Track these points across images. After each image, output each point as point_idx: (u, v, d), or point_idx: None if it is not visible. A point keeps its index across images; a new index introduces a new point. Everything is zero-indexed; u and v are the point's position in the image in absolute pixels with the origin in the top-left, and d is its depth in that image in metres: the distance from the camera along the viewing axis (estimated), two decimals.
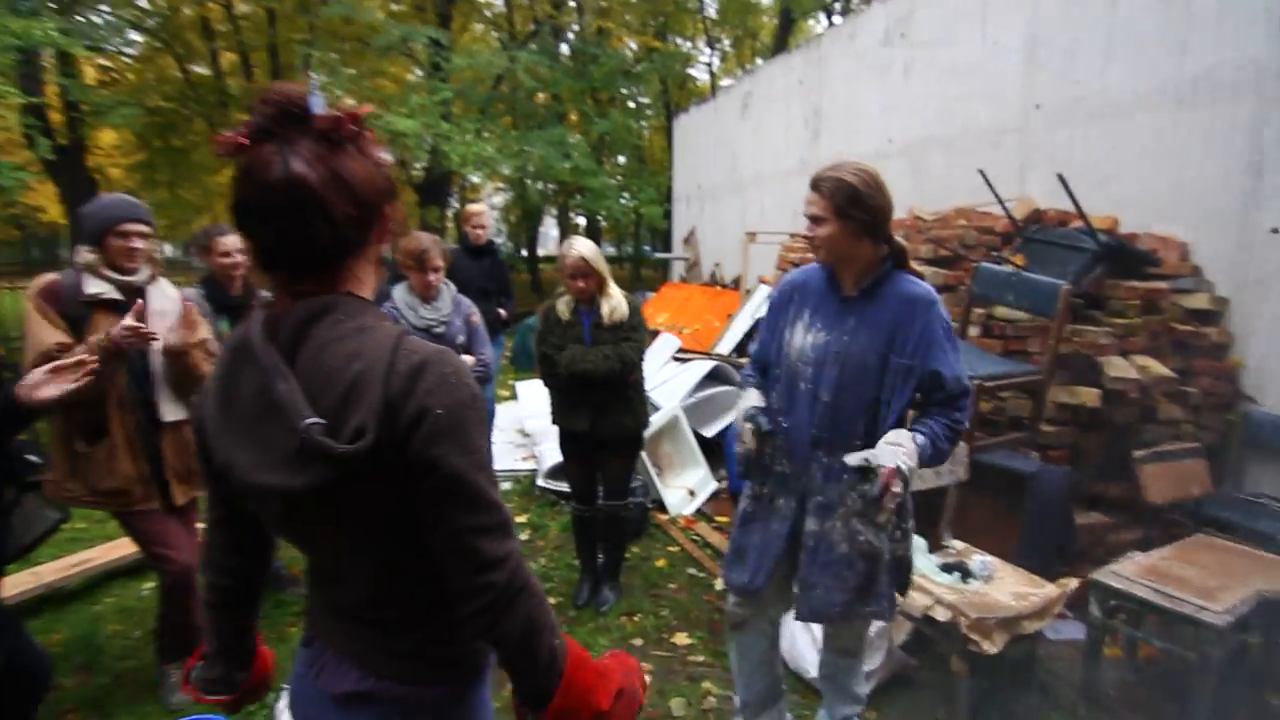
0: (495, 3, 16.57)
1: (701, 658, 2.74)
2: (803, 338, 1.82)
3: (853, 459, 1.70)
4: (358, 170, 0.84)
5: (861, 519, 1.76)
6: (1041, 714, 2.40)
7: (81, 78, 8.85)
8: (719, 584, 3.23)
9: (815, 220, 1.72)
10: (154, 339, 2.15)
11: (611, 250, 21.23)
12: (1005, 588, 2.28)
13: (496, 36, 16.13)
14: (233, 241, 2.79)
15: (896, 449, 1.63)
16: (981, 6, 4.66)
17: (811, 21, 15.58)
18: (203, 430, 0.94)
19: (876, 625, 2.36)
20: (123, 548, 3.49)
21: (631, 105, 14.75)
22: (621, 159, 14.91)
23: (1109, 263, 3.31)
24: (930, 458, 1.71)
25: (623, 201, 11.73)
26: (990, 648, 2.02)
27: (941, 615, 2.14)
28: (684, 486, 4.26)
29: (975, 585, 2.29)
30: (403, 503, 0.84)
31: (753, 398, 1.91)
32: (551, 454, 4.20)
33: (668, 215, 11.41)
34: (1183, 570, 2.32)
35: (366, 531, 0.88)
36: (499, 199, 20.12)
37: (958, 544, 2.59)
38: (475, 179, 12.83)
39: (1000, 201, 3.78)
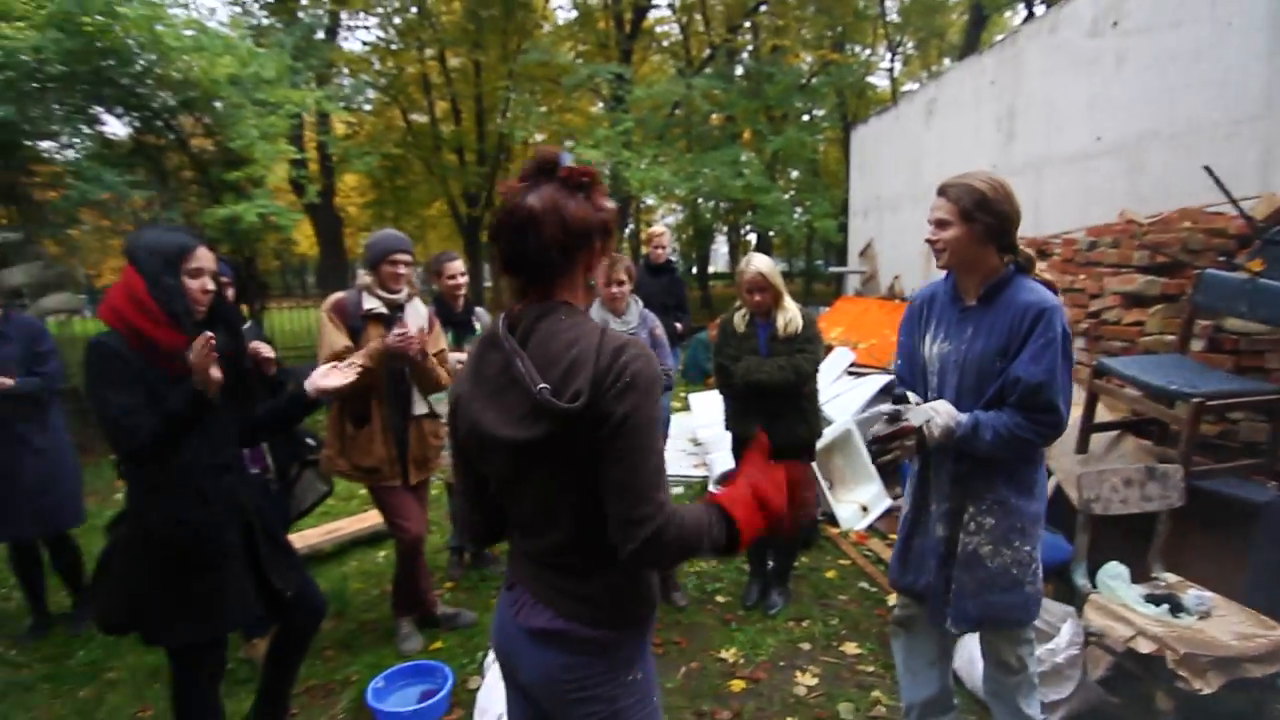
0: (673, 32, 17.30)
1: (871, 668, 2.73)
2: (930, 348, 1.88)
3: (885, 408, 1.81)
4: (576, 210, 1.12)
5: (993, 530, 1.77)
6: None
7: (332, 132, 10.66)
8: (892, 599, 3.17)
9: (940, 224, 1.76)
10: (413, 346, 2.63)
11: (783, 265, 21.02)
12: (1226, 626, 2.03)
13: (673, 64, 16.80)
14: (458, 267, 3.30)
15: (931, 412, 1.72)
16: None
17: (1008, 14, 14.44)
18: (457, 404, 1.24)
19: (1066, 654, 2.23)
20: (363, 521, 4.19)
21: (806, 119, 14.62)
22: (795, 173, 14.80)
23: None
24: (974, 441, 1.71)
25: (796, 216, 11.67)
26: (1203, 688, 1.83)
27: (1145, 647, 1.96)
28: (856, 501, 4.20)
29: (1188, 620, 2.07)
30: (586, 458, 1.08)
31: (907, 397, 1.94)
32: (722, 461, 4.36)
33: (842, 229, 11.15)
34: None
35: (570, 477, 1.12)
36: (672, 219, 20.81)
37: (1169, 576, 2.35)
38: (651, 201, 13.46)
39: (1233, 200, 3.33)
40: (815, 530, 3.88)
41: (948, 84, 7.54)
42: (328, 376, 2.03)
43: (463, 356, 3.24)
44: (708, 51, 15.15)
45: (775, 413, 2.95)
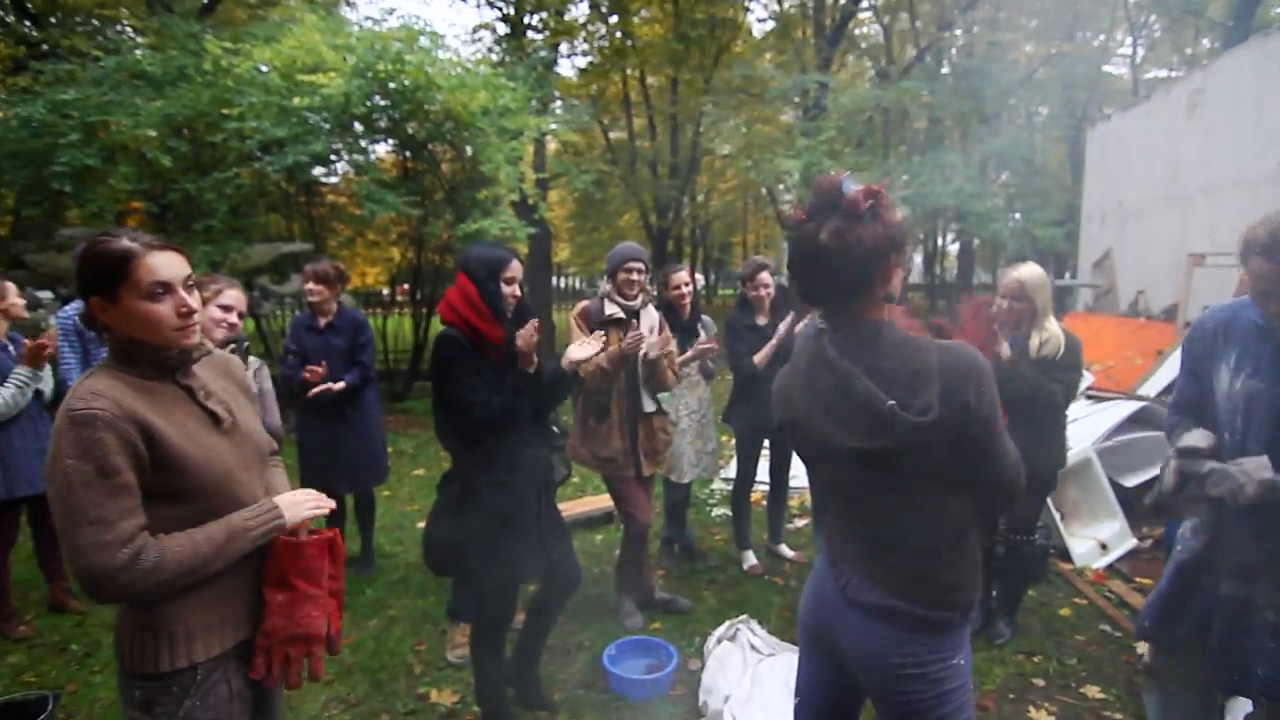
0: (873, 34, 16.71)
1: (1119, 716, 2.51)
2: (1228, 384, 1.66)
3: (1189, 451, 1.66)
4: (864, 236, 1.18)
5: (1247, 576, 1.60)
6: None
7: (547, 152, 11.73)
8: (1142, 648, 2.88)
9: None
10: (640, 346, 2.91)
11: (986, 278, 19.34)
12: None
13: (871, 68, 16.23)
14: (683, 277, 3.57)
15: (1240, 478, 1.55)
16: None
17: None
18: (794, 414, 1.36)
19: None
20: (579, 506, 4.60)
21: (1026, 118, 13.39)
22: (1004, 175, 13.60)
23: None
24: None
25: (1011, 222, 10.76)
26: None
27: None
28: (1094, 537, 3.83)
29: None
30: (949, 457, 1.19)
31: (1194, 438, 1.72)
32: None
33: (1068, 236, 10.08)
34: None
35: (909, 481, 1.23)
36: None
37: None
38: None
39: None
40: (1045, 563, 3.61)
41: (1219, 72, 6.55)
42: (580, 349, 2.37)
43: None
44: (913, 52, 14.45)
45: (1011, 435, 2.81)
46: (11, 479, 3.03)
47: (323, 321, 3.57)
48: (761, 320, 3.61)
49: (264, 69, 6.08)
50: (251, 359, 2.70)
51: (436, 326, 8.28)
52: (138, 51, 6.93)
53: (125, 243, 1.22)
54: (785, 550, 3.92)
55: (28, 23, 9.25)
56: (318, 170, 7.05)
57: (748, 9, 15.06)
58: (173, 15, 7.80)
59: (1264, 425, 1.60)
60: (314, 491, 1.40)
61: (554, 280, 19.10)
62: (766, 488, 3.96)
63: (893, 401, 1.16)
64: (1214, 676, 1.72)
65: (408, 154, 6.90)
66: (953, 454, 1.20)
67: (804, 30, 14.97)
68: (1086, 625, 3.17)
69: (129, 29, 9.14)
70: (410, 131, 6.49)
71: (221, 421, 1.32)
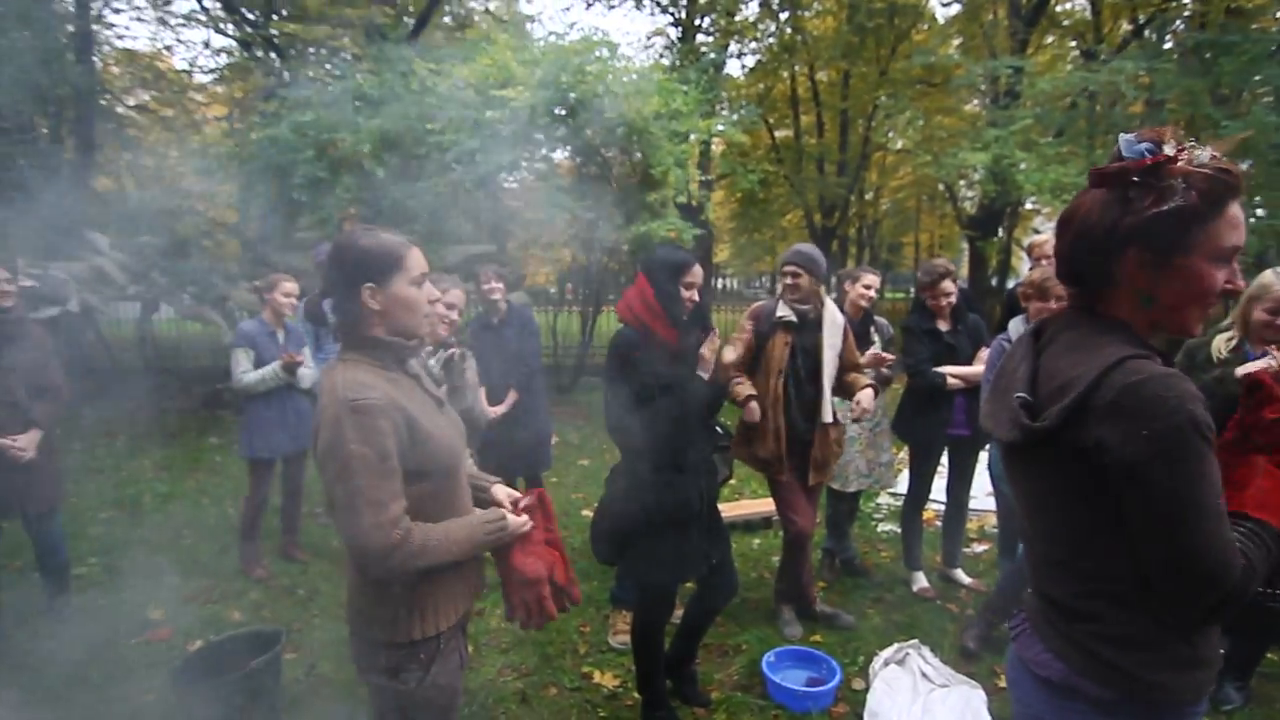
0: (1078, 10, 14.92)
1: None
2: None
3: None
4: (1100, 212, 1.00)
5: None
6: None
7: (712, 153, 11.79)
8: None
9: None
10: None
11: None
12: None
13: (1075, 48, 14.52)
14: (870, 280, 3.45)
15: None
16: None
17: None
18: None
19: None
20: (736, 509, 4.57)
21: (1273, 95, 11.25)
22: (1245, 165, 11.51)
23: None
24: None
25: (1253, 217, 9.12)
26: None
27: None
28: None
29: None
30: (1073, 488, 1.00)
31: None
32: None
33: None
34: None
35: (1041, 498, 1.08)
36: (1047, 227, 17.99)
37: None
38: (1031, 204, 11.88)
39: None
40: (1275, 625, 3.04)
41: None
42: (732, 351, 2.35)
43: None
44: (1127, 27, 12.72)
45: None
46: (256, 443, 3.64)
47: (495, 319, 3.86)
48: (943, 326, 3.38)
49: (461, 85, 6.69)
50: (455, 351, 2.98)
51: (603, 324, 8.69)
52: (359, 76, 7.91)
53: (393, 236, 1.39)
54: (961, 575, 3.65)
55: (275, 56, 10.89)
56: (503, 177, 7.62)
57: None
58: (387, 41, 8.81)
59: None
60: (526, 518, 1.57)
61: (714, 282, 19.19)
62: (940, 506, 3.71)
63: (1023, 396, 1.04)
64: None
65: (581, 160, 7.26)
66: (1093, 498, 0.99)
67: (995, 11, 13.74)
68: None
69: (352, 56, 10.44)
70: (586, 138, 6.82)
71: (442, 405, 1.49)
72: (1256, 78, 10.74)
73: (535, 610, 1.56)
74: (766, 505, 4.21)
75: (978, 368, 3.25)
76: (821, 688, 2.65)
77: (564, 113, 6.54)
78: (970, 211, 14.34)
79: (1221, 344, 2.46)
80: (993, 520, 4.20)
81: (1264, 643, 2.68)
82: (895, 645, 2.82)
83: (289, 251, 7.87)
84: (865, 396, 2.90)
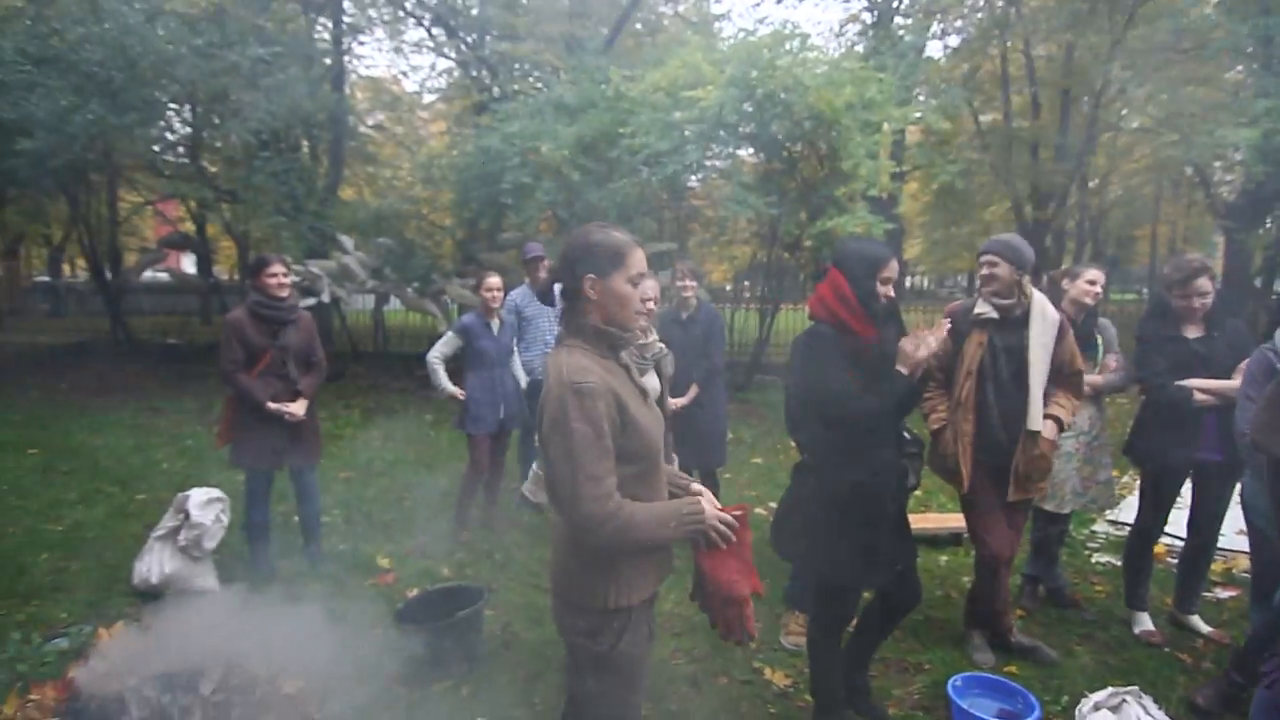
0: None
1: None
2: None
3: None
4: None
5: None
6: None
7: (904, 142, 11.08)
8: None
9: None
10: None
11: None
12: None
13: None
14: (1093, 275, 3.09)
15: None
16: None
17: None
18: None
19: None
20: (925, 521, 4.29)
21: None
22: None
23: None
24: None
25: None
26: None
27: None
28: None
29: None
30: None
31: None
32: None
33: None
34: None
35: None
36: None
37: None
38: None
39: None
40: None
41: None
42: (913, 343, 2.14)
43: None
44: None
45: None
46: (471, 419, 4.12)
47: (685, 315, 3.97)
48: (1191, 333, 2.92)
49: (652, 90, 6.94)
50: (660, 346, 3.08)
51: (781, 322, 8.58)
52: (559, 87, 8.51)
53: (622, 235, 1.52)
54: (1199, 623, 3.13)
55: (486, 73, 12.03)
56: (688, 177, 7.81)
57: None
58: (585, 52, 9.37)
59: None
60: (723, 513, 1.59)
61: (904, 280, 18.07)
62: (1174, 542, 3.20)
63: None
64: None
65: (765, 155, 7.19)
66: None
67: None
68: None
69: (554, 69, 11.25)
70: (773, 133, 6.74)
71: (648, 395, 1.59)
72: None
73: (737, 628, 1.62)
74: (956, 520, 3.91)
75: (1234, 382, 2.74)
76: None
77: (751, 109, 6.53)
78: (1228, 198, 12.03)
79: None
80: (1244, 563, 3.55)
81: None
82: (1110, 689, 2.50)
83: (496, 251, 8.72)
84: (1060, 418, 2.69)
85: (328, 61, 10.77)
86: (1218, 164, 11.03)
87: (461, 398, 4.10)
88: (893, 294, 2.16)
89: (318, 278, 7.83)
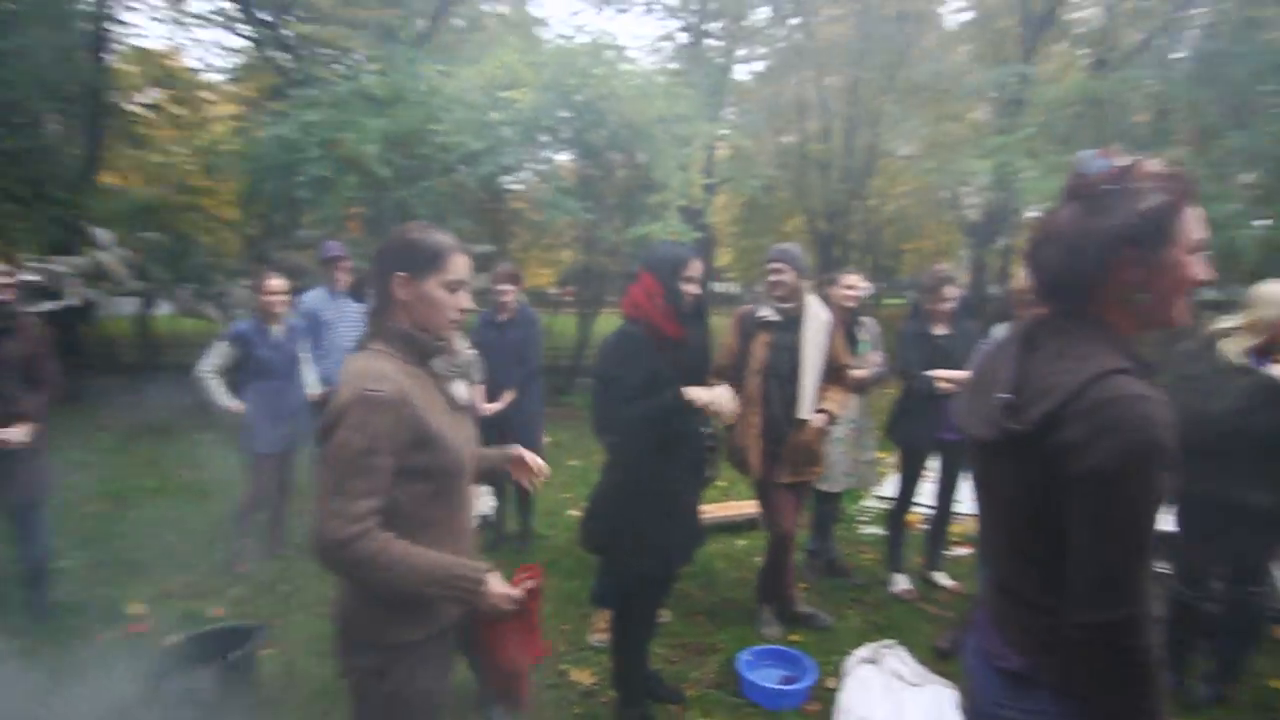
0: (1091, 18, 14.85)
1: None
2: None
3: None
4: (1075, 221, 1.06)
5: None
6: None
7: (715, 157, 11.84)
8: None
9: None
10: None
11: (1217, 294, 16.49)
12: None
13: (1084, 56, 14.47)
14: (852, 280, 3.48)
15: None
16: None
17: None
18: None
19: None
20: (726, 509, 4.58)
21: None
22: (1248, 177, 11.42)
23: None
24: None
25: (1252, 227, 9.05)
26: None
27: None
28: None
29: None
30: (1043, 490, 1.04)
31: None
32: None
33: None
34: None
35: (1024, 501, 1.10)
36: None
37: None
38: (1040, 214, 11.80)
39: None
40: (1259, 621, 3.02)
41: None
42: (700, 392, 2.22)
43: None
44: (1138, 36, 12.65)
45: (1241, 471, 2.42)
46: (256, 438, 3.70)
47: (504, 318, 3.90)
48: (939, 331, 3.40)
49: (468, 87, 6.74)
50: (469, 352, 2.95)
51: (601, 326, 8.65)
52: (368, 77, 7.99)
53: (444, 237, 1.40)
54: (941, 578, 3.65)
55: (287, 55, 10.97)
56: (505, 178, 7.69)
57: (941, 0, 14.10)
58: (398, 43, 8.89)
59: None
60: (514, 593, 1.44)
61: (715, 286, 19.23)
62: (928, 511, 3.71)
63: (1007, 397, 1.07)
64: None
65: (584, 161, 7.31)
66: (1057, 500, 1.02)
67: (1007, 19, 13.71)
68: None
69: (362, 57, 10.52)
70: (590, 140, 6.86)
71: (457, 408, 1.49)
72: (1263, 88, 10.67)
73: (511, 698, 1.57)
74: (753, 506, 4.22)
75: (968, 372, 3.27)
76: (795, 686, 2.66)
77: (568, 115, 6.59)
78: (973, 219, 14.28)
79: (1232, 348, 2.49)
80: (975, 525, 4.20)
81: (1248, 641, 2.68)
82: (871, 645, 2.83)
83: (292, 249, 7.96)
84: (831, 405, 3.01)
85: (85, 26, 9.22)
86: (965, 189, 13.01)
87: (240, 412, 3.66)
88: (698, 292, 2.27)
89: (62, 277, 6.65)
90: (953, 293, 3.37)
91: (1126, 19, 13.31)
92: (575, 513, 4.55)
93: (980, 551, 1.27)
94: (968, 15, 14.63)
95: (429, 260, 1.37)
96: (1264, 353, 2.44)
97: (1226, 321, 2.57)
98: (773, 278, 3.02)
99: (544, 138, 6.92)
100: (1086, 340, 1.06)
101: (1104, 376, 0.99)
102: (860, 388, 3.49)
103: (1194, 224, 1.04)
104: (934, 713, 2.42)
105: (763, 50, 15.12)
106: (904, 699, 2.50)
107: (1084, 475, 0.97)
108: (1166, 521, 2.83)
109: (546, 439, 4.66)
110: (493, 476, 3.81)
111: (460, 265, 1.40)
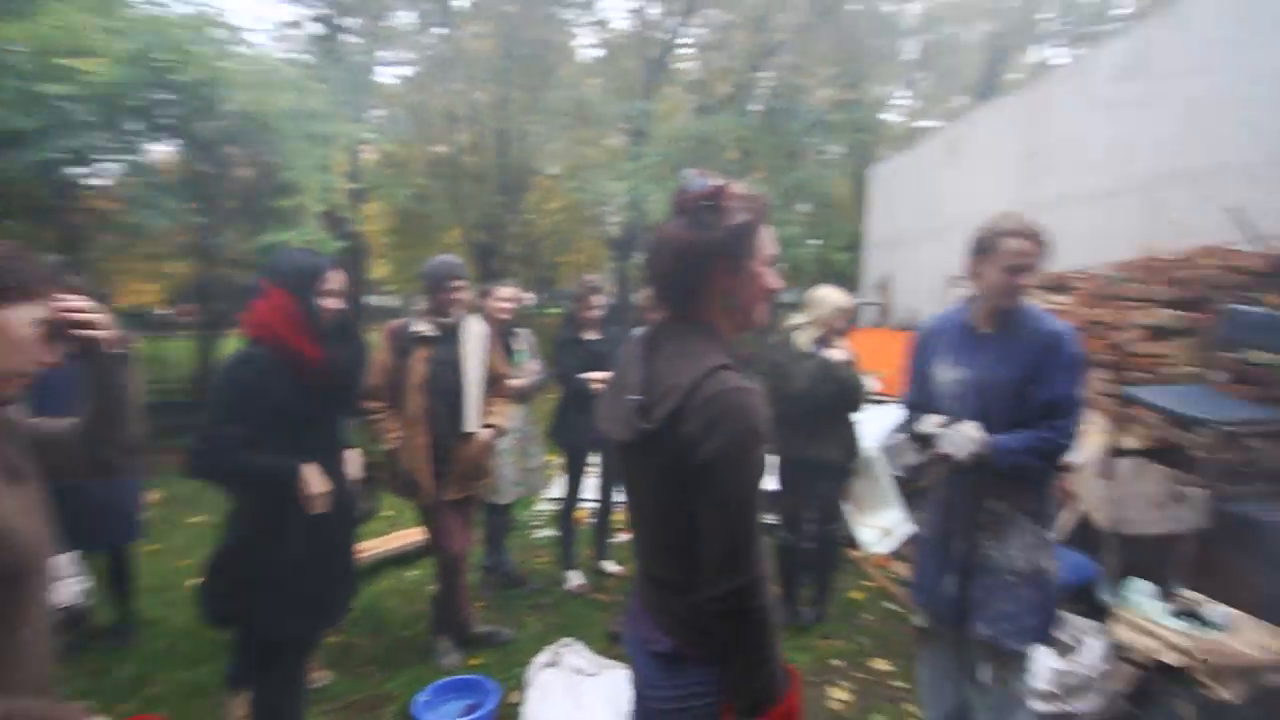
0: (693, 70, 17.75)
1: (901, 683, 2.80)
2: (944, 374, 1.99)
3: (923, 427, 1.92)
4: (683, 234, 1.18)
5: (984, 532, 1.89)
6: None
7: (363, 163, 11.07)
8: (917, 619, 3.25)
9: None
10: None
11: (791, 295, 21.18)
12: (1247, 638, 2.11)
13: (693, 100, 17.24)
14: (507, 292, 3.54)
15: (961, 438, 1.83)
16: (1229, 39, 4.33)
17: (1029, 51, 14.85)
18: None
19: (1092, 668, 2.29)
20: (390, 542, 4.21)
21: (822, 155, 14.90)
22: (804, 207, 15.04)
23: None
24: (1001, 459, 1.84)
25: (808, 245, 11.92)
26: (1227, 696, 1.91)
27: (1171, 659, 2.04)
28: (878, 526, 4.27)
29: (1211, 634, 2.15)
30: (674, 480, 1.14)
31: (929, 422, 2.01)
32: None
33: (853, 261, 11.37)
34: None
35: (650, 489, 1.21)
36: None
37: (1193, 595, 2.42)
38: None
39: (1252, 239, 3.46)
40: (839, 551, 3.95)
41: (971, 124, 7.73)
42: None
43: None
44: (729, 89, 15.54)
45: (823, 432, 3.12)
46: None
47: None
48: (591, 336, 3.62)
49: (10, 48, 5.08)
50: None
51: (227, 350, 7.29)
52: None
53: (26, 262, 1.10)
54: (610, 566, 3.93)
55: None
56: (78, 170, 6.02)
57: (574, 35, 15.32)
58: None
59: (972, 405, 1.93)
60: None
61: (371, 299, 18.01)
62: (594, 505, 3.96)
63: (637, 398, 1.17)
64: (963, 632, 1.98)
65: (190, 154, 6.11)
66: (688, 488, 1.13)
67: (630, 60, 15.54)
68: (874, 606, 3.52)
69: None
70: (198, 131, 5.75)
71: (19, 477, 1.07)
72: (811, 139, 14.07)
73: None
74: (422, 533, 3.99)
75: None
76: (477, 714, 2.57)
77: (168, 97, 5.41)
78: (614, 234, 15.95)
79: (804, 339, 3.22)
80: None
81: (833, 568, 3.42)
82: (549, 648, 2.89)
83: None
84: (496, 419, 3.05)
85: None
86: (606, 207, 14.40)
87: None
88: (340, 307, 1.99)
89: None
90: (600, 300, 3.65)
91: (718, 74, 16.22)
92: (197, 581, 3.72)
93: (631, 545, 1.36)
94: (599, 52, 16.21)
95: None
96: (823, 341, 3.16)
97: (797, 319, 3.28)
98: (456, 296, 2.88)
99: (133, 123, 5.59)
100: (697, 341, 1.19)
101: (711, 374, 1.11)
102: (522, 397, 3.56)
103: (768, 240, 1.24)
104: (611, 697, 2.57)
105: (410, 55, 14.63)
106: (583, 691, 2.60)
107: (703, 463, 1.08)
108: (770, 482, 3.50)
109: (154, 495, 3.75)
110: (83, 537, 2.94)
111: (42, 299, 1.12)
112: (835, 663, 2.99)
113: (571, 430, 3.64)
